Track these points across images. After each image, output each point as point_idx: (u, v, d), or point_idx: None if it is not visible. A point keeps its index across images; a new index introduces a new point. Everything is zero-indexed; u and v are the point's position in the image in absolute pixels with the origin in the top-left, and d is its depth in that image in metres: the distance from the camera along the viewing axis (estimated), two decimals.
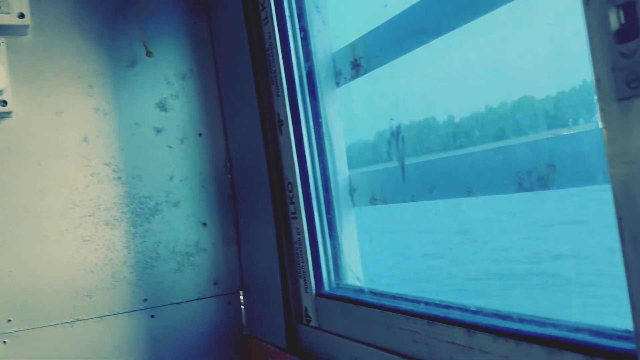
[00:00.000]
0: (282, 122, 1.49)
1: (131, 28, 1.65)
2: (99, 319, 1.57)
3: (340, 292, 1.43)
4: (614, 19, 0.62)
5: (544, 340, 0.78)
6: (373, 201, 1.52)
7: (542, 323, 0.80)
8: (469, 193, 1.22)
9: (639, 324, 0.64)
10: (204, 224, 1.69)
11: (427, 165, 1.32)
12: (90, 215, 1.58)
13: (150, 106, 1.67)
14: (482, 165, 1.16)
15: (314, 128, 1.52)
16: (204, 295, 1.68)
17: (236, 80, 1.66)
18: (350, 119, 1.61)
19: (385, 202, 1.49)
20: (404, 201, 1.43)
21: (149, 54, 1.65)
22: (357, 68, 1.50)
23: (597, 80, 0.66)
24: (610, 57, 0.63)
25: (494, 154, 1.12)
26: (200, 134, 1.71)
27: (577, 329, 0.75)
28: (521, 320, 0.85)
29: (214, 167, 1.72)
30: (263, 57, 1.53)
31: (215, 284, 1.69)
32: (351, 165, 1.60)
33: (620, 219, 0.65)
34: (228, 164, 1.75)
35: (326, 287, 1.46)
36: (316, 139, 1.52)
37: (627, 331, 0.66)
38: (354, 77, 1.53)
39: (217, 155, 1.73)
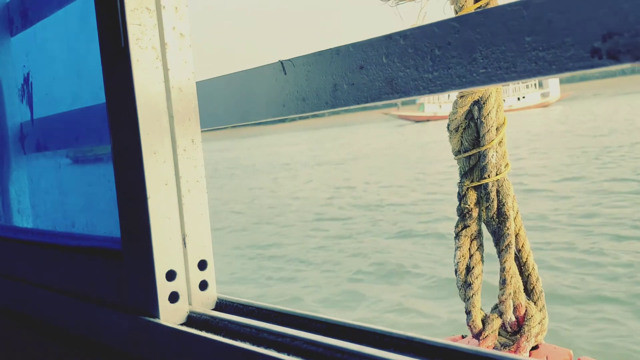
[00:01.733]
0: None
1: None
2: None
3: None
4: None
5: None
6: (39, 148, 1.60)
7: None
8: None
9: (123, 232, 0.85)
10: None
11: (73, 115, 1.44)
12: None
13: None
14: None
15: None
16: None
17: None
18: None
19: (51, 150, 1.59)
20: (68, 147, 1.53)
21: None
22: (25, 19, 1.56)
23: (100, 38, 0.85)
24: None
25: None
26: None
27: (105, 240, 0.95)
28: (82, 238, 1.03)
29: None
30: None
31: None
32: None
33: (113, 147, 0.85)
34: None
35: None
36: None
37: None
38: (24, 27, 1.58)
39: None
